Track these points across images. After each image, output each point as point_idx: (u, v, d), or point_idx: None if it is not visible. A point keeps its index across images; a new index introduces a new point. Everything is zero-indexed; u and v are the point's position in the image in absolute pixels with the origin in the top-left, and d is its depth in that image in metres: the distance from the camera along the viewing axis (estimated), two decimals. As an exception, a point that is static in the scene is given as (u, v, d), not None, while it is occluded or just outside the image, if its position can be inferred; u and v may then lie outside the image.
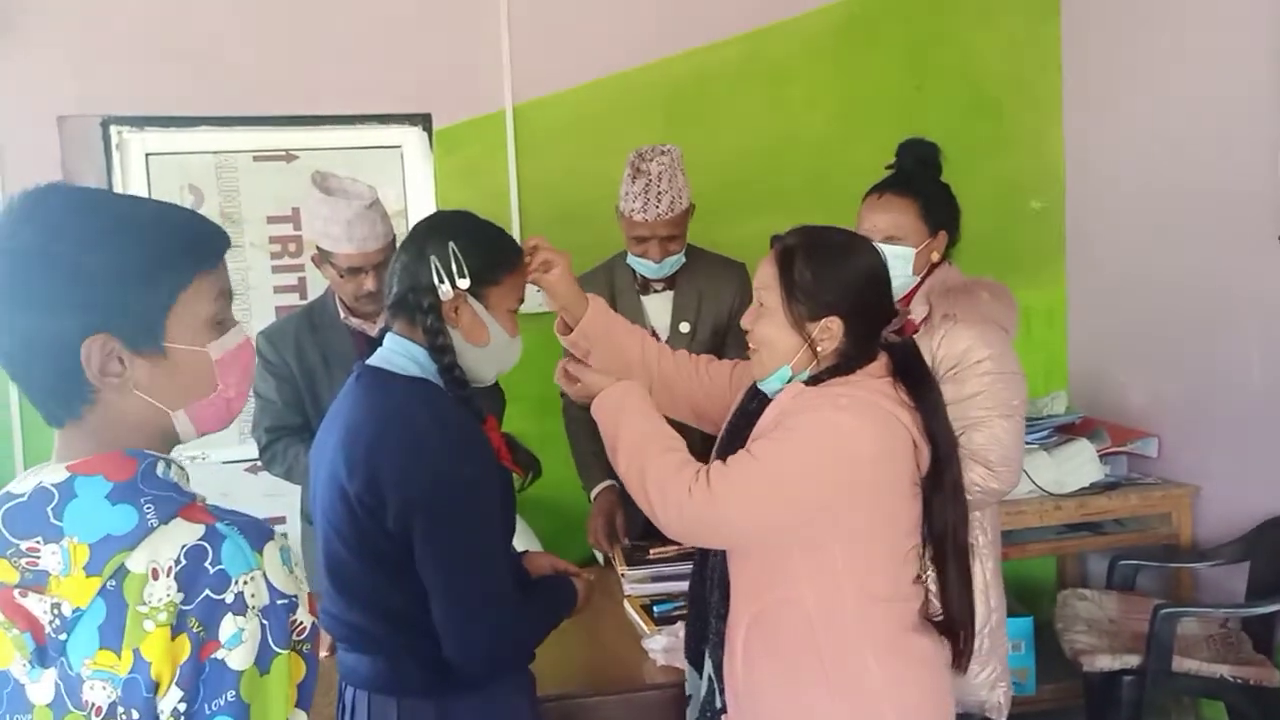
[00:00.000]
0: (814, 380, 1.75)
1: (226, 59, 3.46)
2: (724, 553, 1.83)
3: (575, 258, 3.10)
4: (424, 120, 3.63)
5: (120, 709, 0.99)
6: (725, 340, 2.94)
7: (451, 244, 1.69)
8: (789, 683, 1.72)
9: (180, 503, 1.04)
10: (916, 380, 1.74)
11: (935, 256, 2.33)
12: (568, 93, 3.69)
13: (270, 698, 1.01)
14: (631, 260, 2.88)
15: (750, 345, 1.82)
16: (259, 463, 2.78)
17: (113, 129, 3.43)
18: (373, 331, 2.64)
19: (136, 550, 1.00)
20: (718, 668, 1.83)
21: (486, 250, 1.74)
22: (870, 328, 1.76)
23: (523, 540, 3.19)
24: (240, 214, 3.57)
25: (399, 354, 1.71)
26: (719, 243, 3.12)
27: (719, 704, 1.84)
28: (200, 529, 1.02)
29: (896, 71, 3.92)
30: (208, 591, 0.99)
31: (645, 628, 2.28)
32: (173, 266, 1.08)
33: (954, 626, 1.77)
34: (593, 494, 2.87)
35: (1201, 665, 2.96)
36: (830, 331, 1.73)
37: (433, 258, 1.68)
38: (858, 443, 1.66)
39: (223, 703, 0.98)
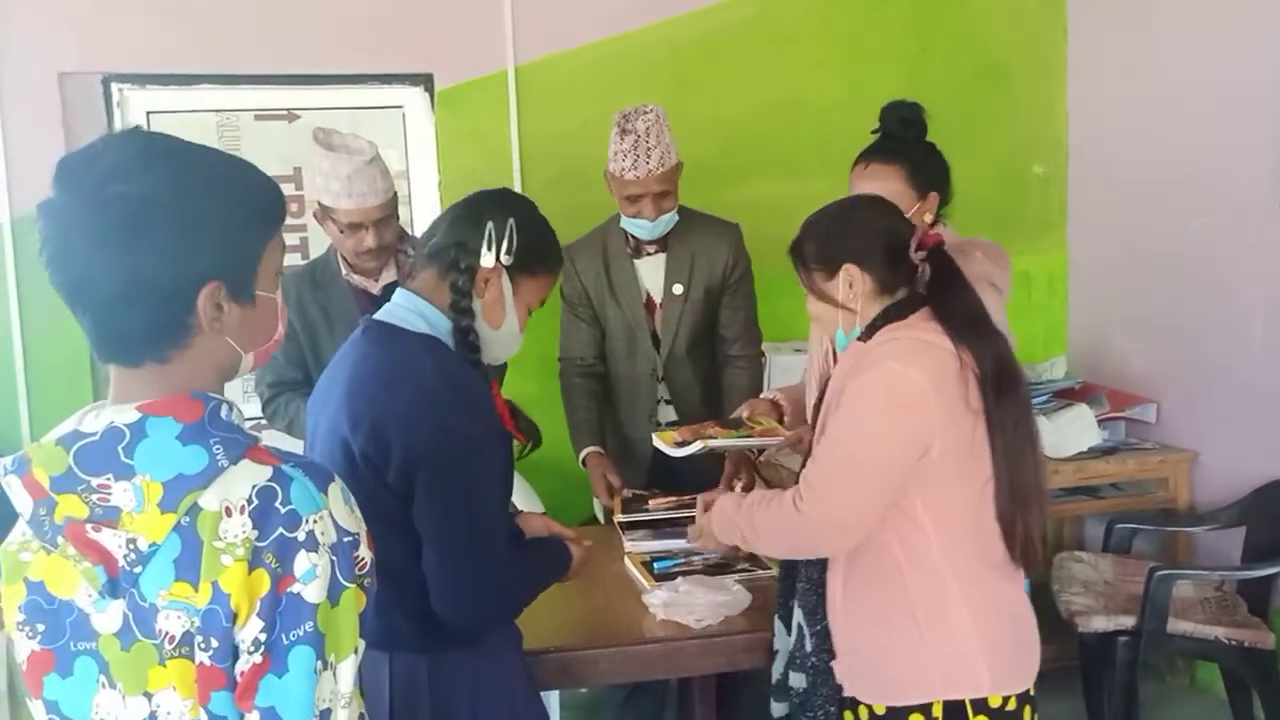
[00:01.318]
0: (869, 332, 1.82)
1: (229, 17, 3.44)
2: None
3: (577, 219, 3.13)
4: (426, 80, 3.62)
5: (198, 638, 1.03)
6: (719, 301, 2.94)
7: (512, 220, 1.73)
8: (882, 626, 1.80)
9: (245, 444, 1.09)
10: (947, 296, 1.79)
11: (928, 218, 2.31)
12: (570, 53, 3.68)
13: (341, 627, 1.06)
14: (625, 223, 2.87)
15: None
16: (262, 420, 2.80)
17: (114, 86, 3.42)
18: (374, 289, 2.65)
19: (209, 489, 1.04)
20: (808, 614, 1.89)
21: (539, 240, 1.78)
22: (889, 254, 1.82)
23: (525, 500, 3.21)
24: (242, 173, 3.56)
25: (408, 310, 1.72)
26: (723, 205, 3.12)
27: (808, 648, 1.89)
28: (268, 470, 1.07)
29: (903, 34, 3.90)
30: (281, 530, 1.04)
31: (645, 583, 2.30)
32: (266, 219, 1.15)
33: (1010, 543, 1.77)
34: (581, 458, 2.88)
35: (1196, 627, 2.98)
36: (851, 276, 1.82)
37: (490, 223, 1.71)
38: (910, 382, 1.72)
39: (301, 633, 1.03)
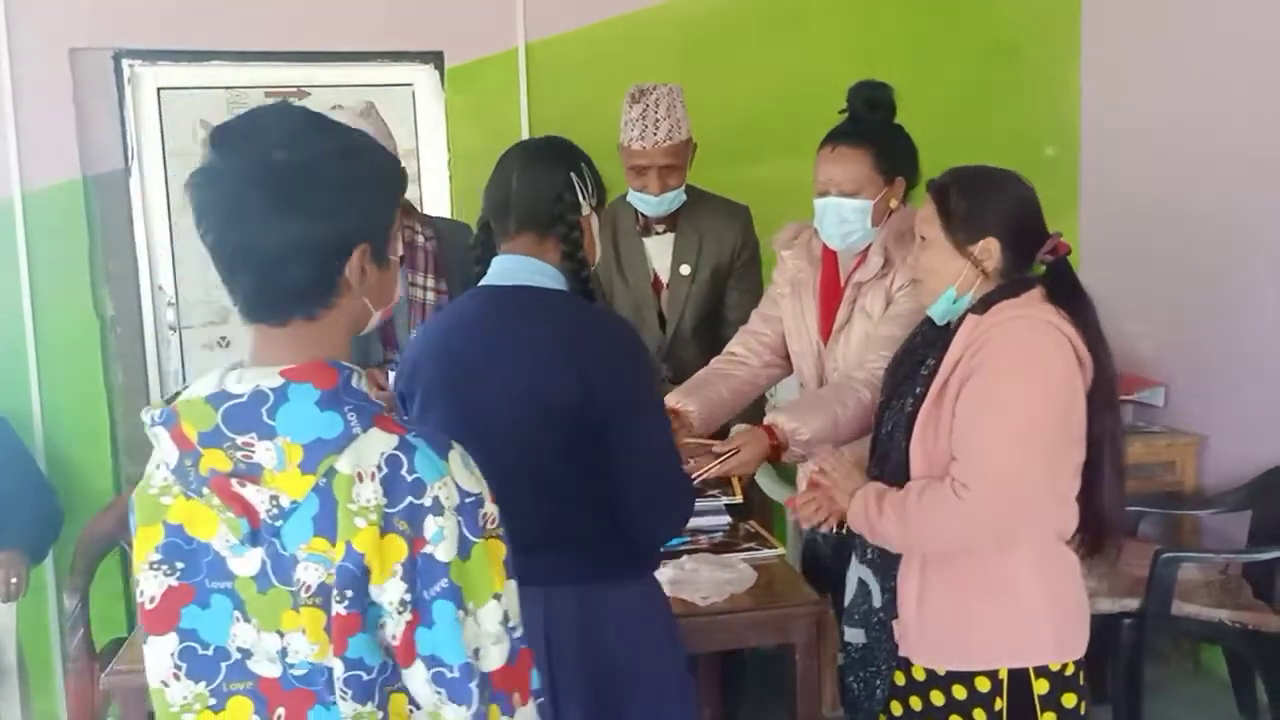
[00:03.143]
0: (983, 306, 1.84)
1: (239, -7, 3.44)
2: (903, 462, 1.88)
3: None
4: (436, 58, 3.61)
5: (334, 591, 1.12)
6: (726, 283, 2.94)
7: (582, 163, 1.80)
8: (954, 592, 1.84)
9: (373, 411, 1.16)
10: (1073, 298, 1.85)
11: (894, 204, 2.29)
12: (581, 31, 3.66)
13: (475, 578, 1.14)
14: (631, 197, 2.87)
15: (914, 278, 1.96)
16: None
17: (125, 63, 3.43)
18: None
19: (343, 454, 1.12)
20: (883, 572, 1.92)
21: (597, 175, 1.84)
22: (1025, 249, 1.86)
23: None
24: (252, 150, 3.56)
25: (533, 271, 1.76)
26: (733, 185, 3.11)
27: (876, 604, 1.94)
28: (394, 439, 1.14)
29: (914, 13, 3.87)
30: (410, 498, 1.12)
31: (651, 561, 2.31)
32: (398, 187, 1.25)
33: (1102, 527, 1.88)
34: None
35: (1201, 610, 2.99)
36: (989, 252, 1.85)
37: (573, 175, 1.77)
38: (1055, 367, 1.78)
39: (438, 589, 1.12)
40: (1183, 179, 3.58)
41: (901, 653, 1.90)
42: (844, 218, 2.28)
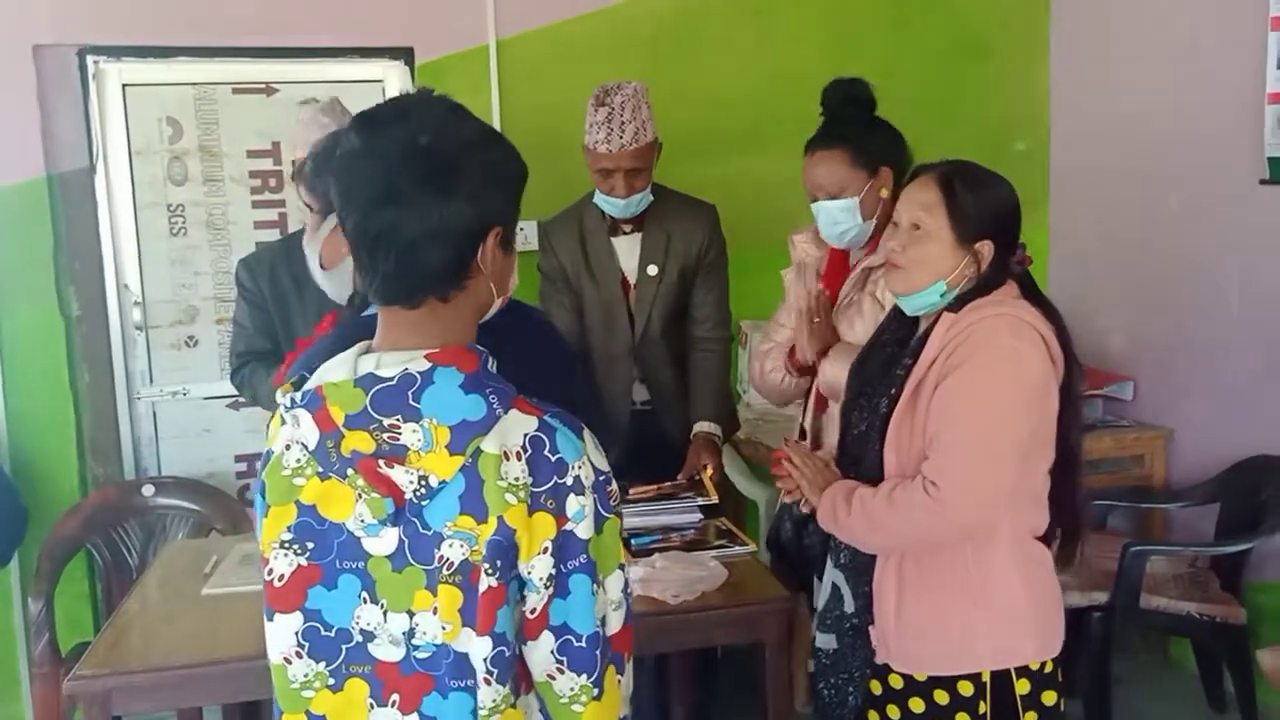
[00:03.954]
0: (958, 303, 1.83)
1: (205, -12, 3.41)
2: (877, 463, 1.86)
3: (558, 194, 3.12)
4: (406, 54, 3.58)
5: (484, 565, 1.16)
6: (693, 282, 2.93)
7: None
8: (936, 595, 1.82)
9: (510, 394, 1.20)
10: (1039, 302, 1.86)
11: (884, 194, 2.29)
12: (551, 27, 3.65)
13: (606, 551, 1.21)
14: (598, 198, 2.85)
15: (896, 265, 1.87)
16: (241, 399, 2.79)
17: (89, 59, 3.38)
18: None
19: (489, 435, 1.16)
20: (855, 576, 1.90)
21: None
22: (1008, 254, 1.87)
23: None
24: (220, 148, 3.53)
25: None
26: (702, 181, 3.11)
27: (848, 609, 1.92)
28: (534, 420, 1.19)
29: (883, 8, 3.88)
30: (555, 478, 1.17)
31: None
32: (525, 175, 1.29)
33: (1069, 527, 1.89)
34: None
35: (1169, 602, 3.01)
36: (983, 254, 1.84)
37: None
38: (1032, 366, 1.77)
39: (577, 563, 1.19)
40: (1151, 175, 3.61)
41: (880, 659, 1.87)
42: (835, 219, 2.32)
